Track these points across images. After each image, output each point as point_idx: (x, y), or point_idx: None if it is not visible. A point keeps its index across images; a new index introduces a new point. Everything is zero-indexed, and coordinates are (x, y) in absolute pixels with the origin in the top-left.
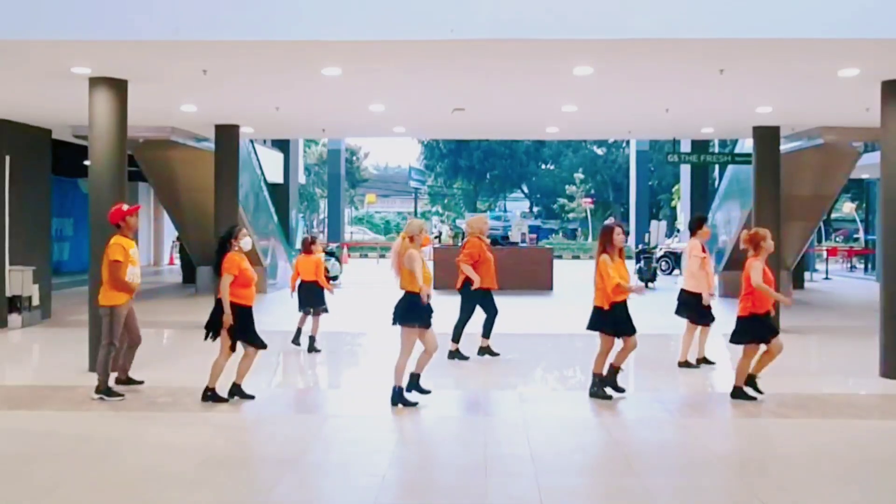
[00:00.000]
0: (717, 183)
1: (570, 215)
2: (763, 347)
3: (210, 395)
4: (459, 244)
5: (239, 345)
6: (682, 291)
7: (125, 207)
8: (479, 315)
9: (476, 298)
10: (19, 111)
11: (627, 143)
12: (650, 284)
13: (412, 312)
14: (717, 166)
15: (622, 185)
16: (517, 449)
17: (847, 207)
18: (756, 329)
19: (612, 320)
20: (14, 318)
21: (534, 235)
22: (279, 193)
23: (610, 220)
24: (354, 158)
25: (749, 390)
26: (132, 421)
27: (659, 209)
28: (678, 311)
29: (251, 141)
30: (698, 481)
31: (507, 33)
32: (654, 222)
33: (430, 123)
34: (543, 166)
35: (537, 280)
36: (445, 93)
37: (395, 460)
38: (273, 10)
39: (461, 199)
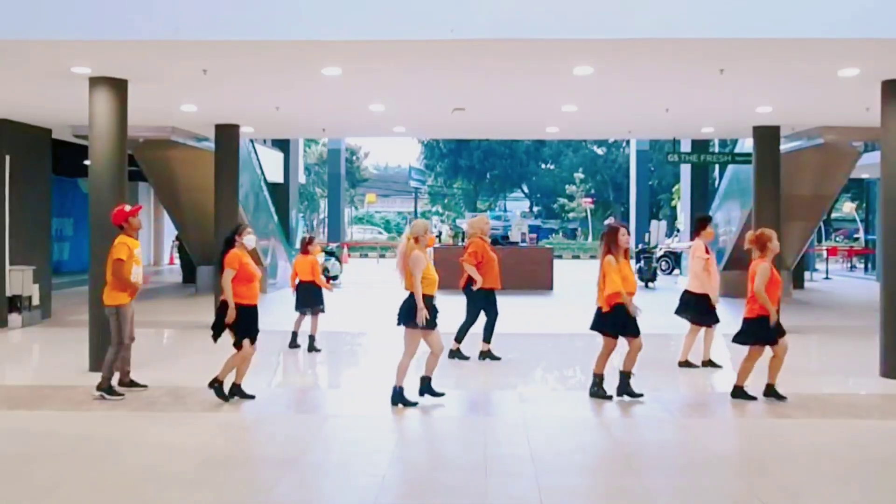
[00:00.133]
0: (717, 183)
1: (570, 215)
2: (768, 350)
3: (216, 387)
4: (460, 244)
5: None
6: (686, 292)
7: (127, 208)
8: (480, 317)
9: (480, 298)
10: (19, 111)
11: (627, 142)
12: (650, 284)
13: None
14: (717, 166)
15: (622, 185)
16: (517, 449)
17: (847, 207)
18: (762, 331)
19: (612, 321)
20: (14, 318)
21: (534, 235)
22: (279, 193)
23: (610, 220)
24: (354, 158)
25: (764, 398)
26: (132, 421)
27: (659, 209)
28: (679, 311)
29: (251, 141)
30: (698, 481)
31: (507, 33)
32: (654, 222)
33: (430, 123)
34: (543, 166)
35: (537, 280)
36: (445, 93)
37: (395, 460)
38: (273, 10)
39: (461, 198)
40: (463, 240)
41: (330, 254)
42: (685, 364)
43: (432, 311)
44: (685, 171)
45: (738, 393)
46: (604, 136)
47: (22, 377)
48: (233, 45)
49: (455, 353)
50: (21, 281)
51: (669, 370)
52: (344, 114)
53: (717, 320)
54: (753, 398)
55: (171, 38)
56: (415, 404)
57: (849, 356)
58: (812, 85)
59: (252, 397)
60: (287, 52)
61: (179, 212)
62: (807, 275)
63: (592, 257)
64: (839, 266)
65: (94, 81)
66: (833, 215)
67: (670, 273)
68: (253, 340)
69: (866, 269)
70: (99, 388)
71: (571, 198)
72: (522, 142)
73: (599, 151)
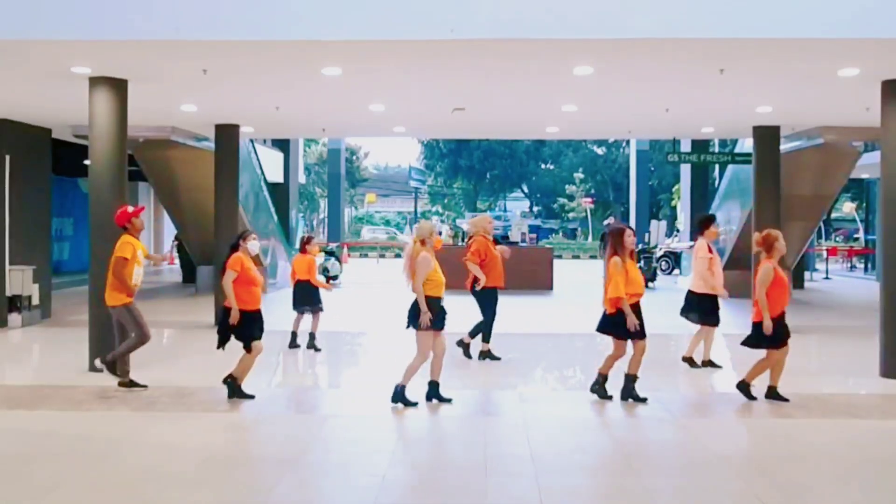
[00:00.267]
0: (717, 183)
1: (570, 215)
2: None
3: (229, 383)
4: (460, 244)
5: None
6: (689, 292)
7: (131, 209)
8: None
9: (485, 296)
10: (19, 111)
11: (627, 142)
12: (650, 284)
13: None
14: (717, 166)
15: (622, 185)
16: (517, 449)
17: (847, 207)
18: (774, 333)
19: (613, 323)
20: (14, 318)
21: (534, 235)
22: (279, 193)
23: (610, 220)
24: (354, 158)
25: (766, 399)
26: (132, 421)
27: (659, 209)
28: (683, 312)
29: (251, 141)
30: (698, 481)
31: (507, 33)
32: (654, 222)
33: (430, 123)
34: (543, 166)
35: (537, 280)
36: (445, 93)
37: (395, 460)
38: (273, 10)
39: (461, 198)
40: (463, 240)
41: (330, 254)
42: (689, 360)
43: (440, 312)
44: (685, 171)
45: (772, 394)
46: (604, 136)
47: (22, 377)
48: (233, 45)
49: (486, 354)
50: (21, 281)
51: (669, 370)
52: (344, 114)
53: (718, 322)
54: (754, 398)
55: (171, 38)
56: (415, 405)
57: (849, 356)
58: (812, 85)
59: (251, 397)
60: (287, 52)
61: (179, 212)
62: (807, 275)
63: (592, 257)
64: (839, 266)
65: (94, 81)
66: (833, 215)
67: (670, 273)
68: (258, 338)
69: (866, 269)
70: (103, 360)
71: (571, 198)
72: (522, 142)
73: (599, 151)
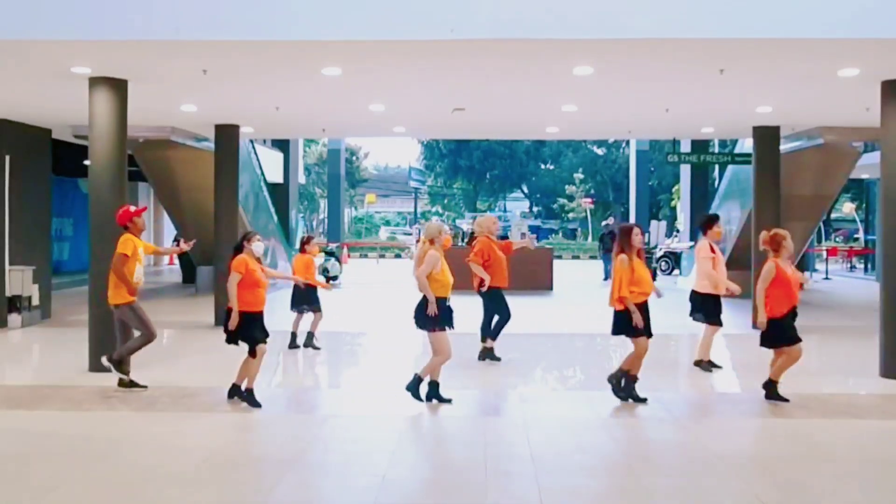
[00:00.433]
0: (717, 183)
1: (570, 215)
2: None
3: (241, 392)
4: (460, 244)
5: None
6: (693, 292)
7: (132, 208)
8: (479, 317)
9: (495, 295)
10: (19, 111)
11: (627, 143)
12: None
13: (438, 315)
14: (717, 166)
15: (622, 185)
16: (517, 449)
17: (847, 207)
18: (784, 332)
19: (625, 322)
20: (14, 318)
21: (534, 235)
22: (279, 193)
23: (609, 221)
24: (354, 158)
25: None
26: (132, 421)
27: (659, 209)
28: (691, 314)
29: (251, 141)
30: (699, 481)
31: (507, 33)
32: (654, 222)
33: (430, 123)
34: (543, 166)
35: (537, 280)
36: (445, 93)
37: (395, 460)
38: (273, 10)
39: (461, 199)
40: (463, 240)
41: (330, 254)
42: (704, 363)
43: (446, 312)
44: (685, 171)
45: (772, 392)
46: (604, 136)
47: (22, 377)
48: (233, 45)
49: (487, 354)
50: (21, 281)
51: (669, 370)
52: (344, 114)
53: (721, 323)
54: (786, 400)
55: (171, 38)
56: (423, 400)
57: (849, 356)
58: (812, 85)
59: (259, 405)
60: (287, 52)
61: (179, 212)
62: (807, 275)
63: (592, 258)
64: (839, 266)
65: (94, 81)
66: (833, 215)
67: (670, 273)
68: (263, 341)
69: (866, 269)
70: (109, 359)
71: (571, 198)
72: (522, 142)
73: (599, 152)
